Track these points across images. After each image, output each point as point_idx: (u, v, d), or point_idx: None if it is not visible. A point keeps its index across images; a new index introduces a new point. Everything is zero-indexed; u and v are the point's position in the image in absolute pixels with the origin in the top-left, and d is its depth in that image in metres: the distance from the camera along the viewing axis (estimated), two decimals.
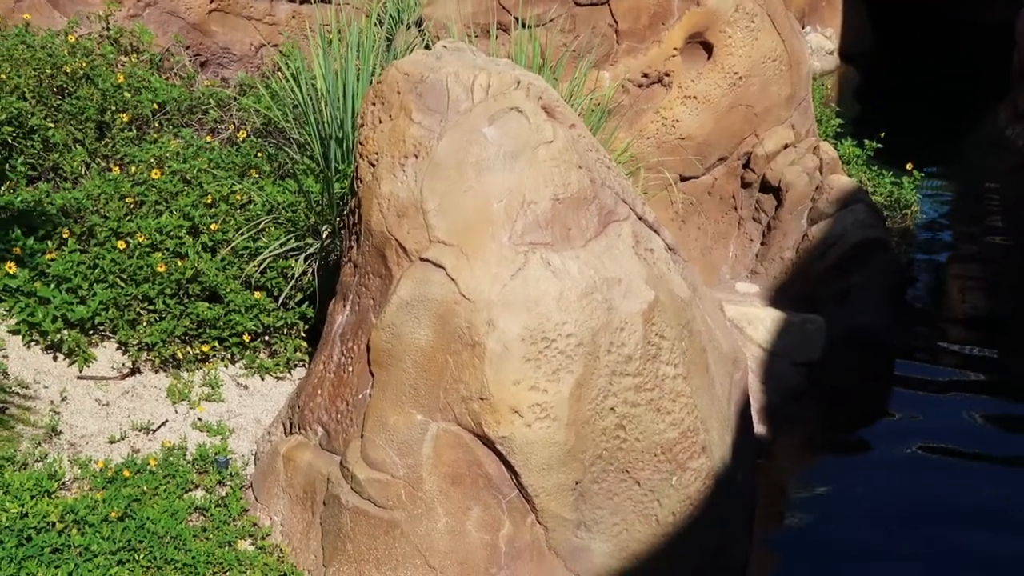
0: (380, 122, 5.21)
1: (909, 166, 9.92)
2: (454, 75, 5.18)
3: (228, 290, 6.18)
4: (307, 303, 6.31)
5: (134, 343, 6.00)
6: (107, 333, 6.09)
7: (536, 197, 4.97)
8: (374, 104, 5.28)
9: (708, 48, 7.84)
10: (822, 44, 15.96)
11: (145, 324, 6.05)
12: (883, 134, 9.96)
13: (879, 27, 16.80)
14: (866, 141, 9.89)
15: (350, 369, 5.09)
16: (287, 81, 7.25)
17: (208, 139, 7.53)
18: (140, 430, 5.64)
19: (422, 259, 4.89)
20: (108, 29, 8.75)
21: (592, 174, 5.20)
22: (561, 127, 5.18)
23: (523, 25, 7.40)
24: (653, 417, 5.03)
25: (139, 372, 6.00)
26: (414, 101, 5.12)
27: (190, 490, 5.33)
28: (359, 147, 5.28)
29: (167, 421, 5.74)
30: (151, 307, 6.09)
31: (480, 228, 4.89)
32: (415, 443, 4.82)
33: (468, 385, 4.76)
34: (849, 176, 8.82)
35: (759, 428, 6.53)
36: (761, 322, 7.32)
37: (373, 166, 5.15)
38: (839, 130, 10.61)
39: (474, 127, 5.03)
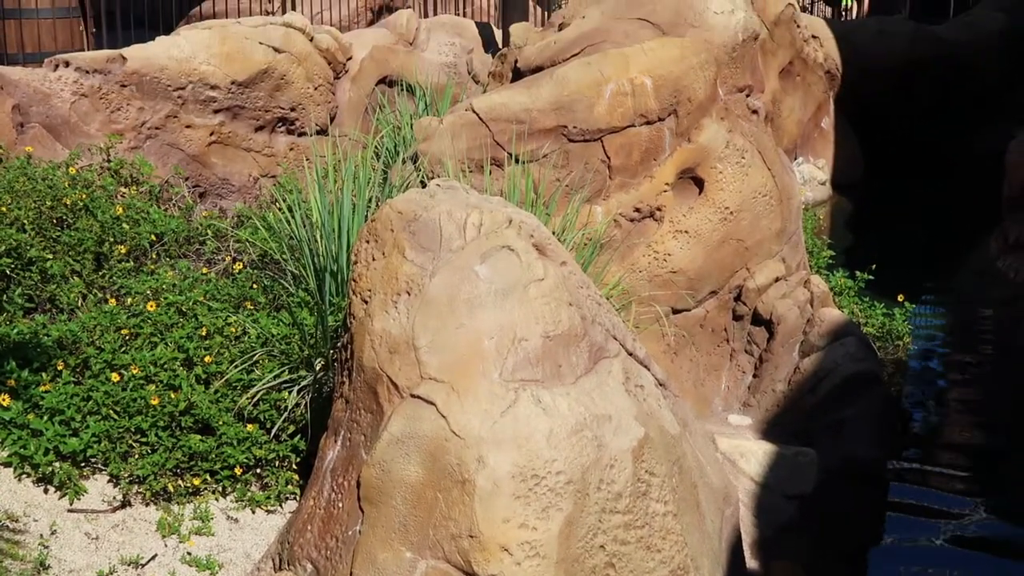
0: (373, 259, 5.28)
1: (900, 297, 10.00)
2: (447, 213, 5.27)
3: (221, 422, 6.20)
4: (300, 436, 6.32)
5: (125, 476, 6.00)
6: (99, 465, 6.09)
7: (527, 334, 5.02)
8: (368, 241, 5.36)
9: (699, 183, 7.97)
10: (814, 174, 16.20)
11: (137, 457, 6.05)
12: (874, 265, 10.06)
13: (871, 157, 17.06)
14: (857, 272, 9.99)
15: (340, 505, 5.09)
16: (283, 213, 7.36)
17: (205, 270, 7.60)
18: (129, 564, 5.61)
19: (413, 396, 4.92)
20: (109, 161, 8.90)
21: (583, 311, 5.26)
22: (552, 265, 5.26)
23: (517, 160, 7.53)
24: (643, 555, 5.02)
25: (129, 505, 5.99)
26: (407, 239, 5.21)
27: None
28: (353, 283, 5.35)
29: (156, 555, 5.71)
30: (143, 439, 6.11)
31: (471, 365, 4.93)
32: None
33: (458, 522, 4.75)
34: (841, 308, 8.89)
35: (751, 562, 6.50)
36: (753, 455, 7.32)
37: (366, 303, 5.21)
38: (831, 261, 10.71)
39: (466, 265, 5.11)
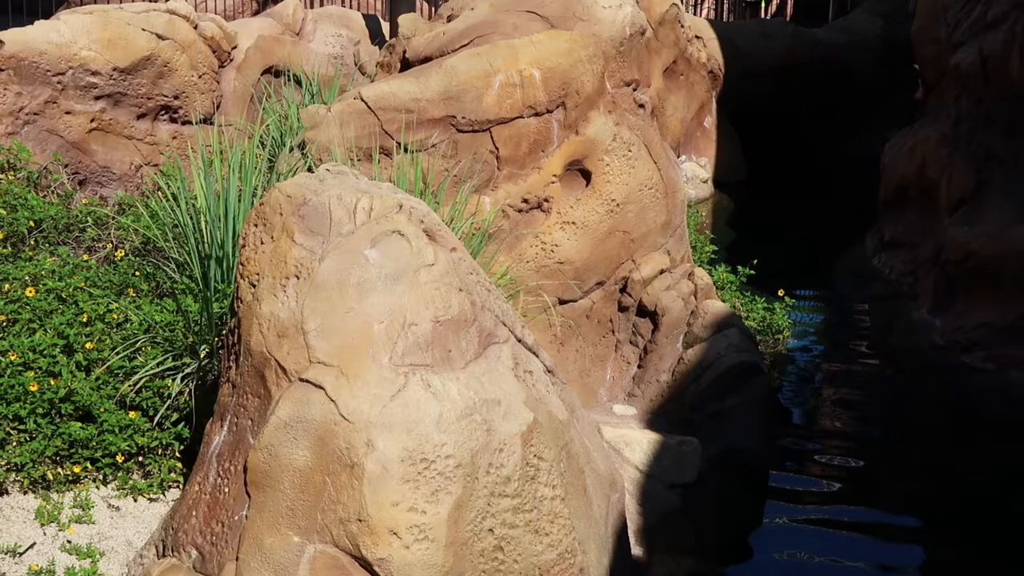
0: (262, 243, 5.24)
1: (780, 292, 10.19)
2: (337, 198, 5.25)
3: (102, 410, 6.08)
4: (183, 423, 6.24)
5: (2, 463, 5.86)
6: None
7: (417, 319, 5.02)
8: (256, 225, 5.31)
9: (587, 175, 8.03)
10: (697, 173, 16.43)
11: (15, 444, 5.91)
12: (756, 261, 10.22)
13: (752, 157, 17.36)
14: (739, 267, 10.15)
15: (226, 490, 5.04)
16: (167, 200, 7.24)
17: (85, 257, 7.46)
18: (7, 553, 5.48)
19: (302, 380, 4.89)
20: None
21: (473, 297, 5.27)
22: (442, 250, 5.26)
23: (405, 150, 7.51)
24: (531, 539, 5.05)
25: (7, 493, 5.85)
26: (296, 223, 5.17)
27: None
28: (240, 267, 5.29)
29: (35, 544, 5.59)
30: (22, 427, 5.96)
31: (361, 349, 4.92)
32: (291, 565, 4.76)
33: (346, 506, 4.73)
34: (723, 301, 9.03)
35: (636, 550, 6.57)
36: (638, 444, 7.40)
37: (254, 286, 5.16)
38: (713, 256, 10.87)
39: (356, 249, 5.09)
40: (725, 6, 22.58)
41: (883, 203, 13.33)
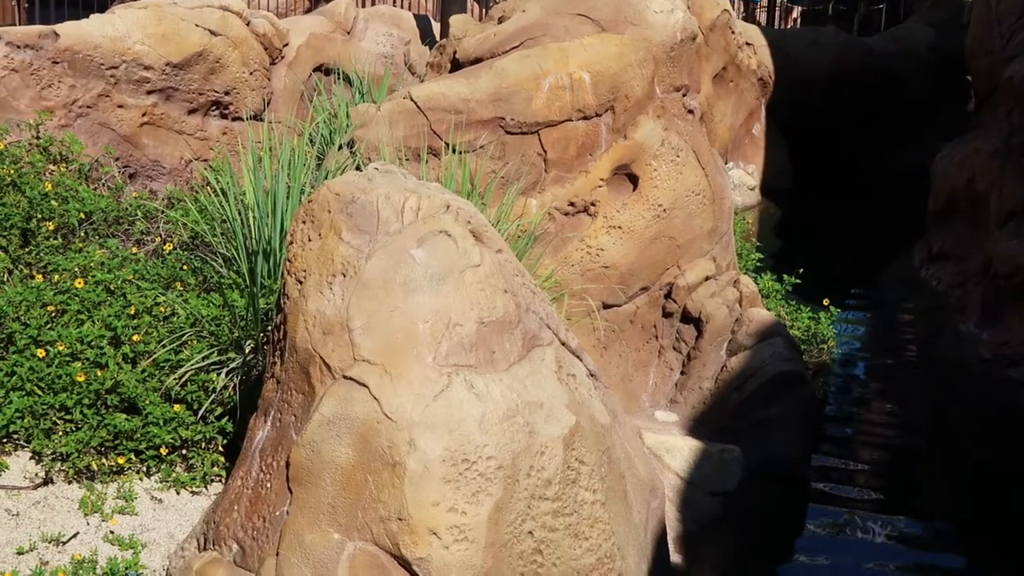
0: (309, 240, 5.26)
1: (826, 302, 10.13)
2: (385, 197, 5.26)
3: (147, 402, 6.12)
4: (227, 418, 6.27)
5: (48, 453, 5.92)
6: (21, 442, 6.00)
7: (462, 319, 5.02)
8: (304, 222, 5.33)
9: (634, 180, 8.01)
10: (744, 180, 16.37)
11: (61, 434, 5.97)
12: (801, 270, 10.18)
13: (800, 165, 17.27)
14: (785, 276, 10.11)
15: (268, 485, 5.06)
16: (216, 195, 7.29)
17: (134, 250, 7.52)
18: (50, 542, 5.53)
19: (346, 377, 4.91)
20: (38, 138, 8.76)
21: (517, 299, 5.27)
22: (488, 251, 5.26)
23: (454, 150, 7.52)
24: (571, 542, 5.04)
25: (52, 483, 5.90)
26: (344, 221, 5.19)
27: None
28: (287, 264, 5.32)
29: (78, 533, 5.63)
30: (68, 417, 6.02)
31: (405, 348, 4.92)
32: (331, 562, 4.78)
33: (387, 505, 4.74)
34: (768, 310, 9.00)
35: (675, 557, 6.55)
36: (679, 451, 7.37)
37: (300, 283, 5.18)
38: (759, 264, 10.83)
39: (403, 248, 5.10)
40: (777, 14, 22.45)
41: (932, 214, 13.23)
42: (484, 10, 15.40)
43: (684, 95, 8.61)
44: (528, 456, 4.93)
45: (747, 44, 16.37)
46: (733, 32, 15.63)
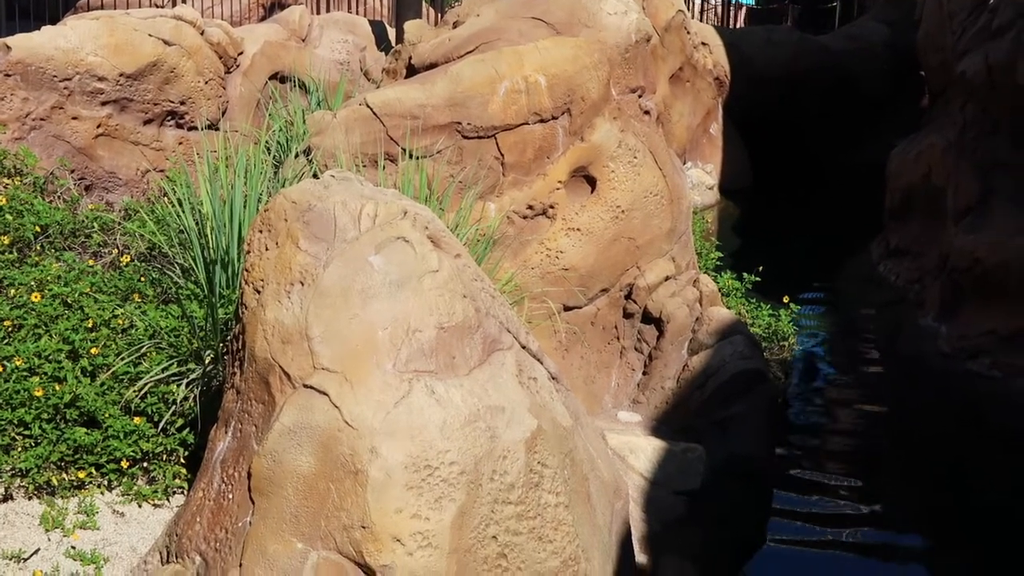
0: (267, 249, 5.24)
1: (786, 299, 10.19)
2: (341, 204, 5.25)
3: (107, 415, 6.08)
4: (188, 429, 6.23)
5: (7, 469, 5.86)
6: None
7: (421, 325, 5.02)
8: (261, 231, 5.31)
9: (592, 182, 8.03)
10: (703, 179, 16.44)
11: (20, 449, 5.92)
12: (761, 268, 10.22)
13: (758, 163, 17.36)
14: (745, 274, 10.15)
15: (230, 496, 5.03)
16: (173, 206, 7.25)
17: (91, 263, 7.46)
18: (11, 559, 5.48)
19: (306, 386, 4.89)
20: None
21: (477, 303, 5.27)
22: (447, 257, 5.26)
23: (411, 156, 7.52)
24: (535, 546, 5.04)
25: (11, 499, 5.85)
26: (301, 229, 5.17)
27: None
28: (245, 273, 5.29)
29: (39, 549, 5.58)
30: (27, 432, 5.97)
31: (365, 356, 4.91)
32: (295, 572, 4.75)
33: (350, 513, 4.73)
34: (728, 308, 9.03)
35: (640, 557, 6.56)
36: (643, 451, 7.39)
37: (258, 292, 5.16)
38: (719, 263, 10.87)
39: (360, 255, 5.09)
40: (731, 13, 22.56)
41: (889, 210, 13.33)
42: (439, 15, 15.39)
43: (640, 96, 8.64)
44: (490, 461, 4.93)
45: (703, 44, 16.45)
46: (688, 32, 15.70)
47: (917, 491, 8.22)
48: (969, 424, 9.24)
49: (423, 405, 4.87)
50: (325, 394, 4.85)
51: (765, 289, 10.38)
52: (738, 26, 22.47)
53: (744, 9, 23.05)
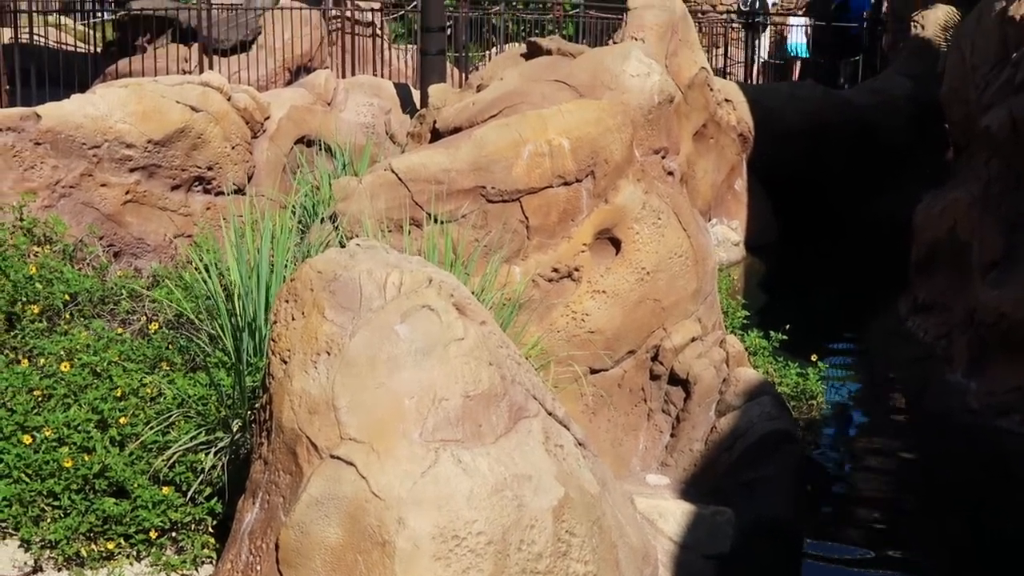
0: (293, 319, 5.27)
1: (814, 357, 10.15)
2: (367, 273, 5.28)
3: (136, 485, 6.10)
4: (216, 498, 6.24)
5: (37, 540, 5.89)
6: (9, 530, 5.97)
7: (447, 394, 5.03)
8: (287, 301, 5.35)
9: (616, 244, 8.04)
10: (728, 235, 16.43)
11: (49, 521, 5.95)
12: (788, 326, 10.19)
13: (783, 219, 17.34)
14: (772, 333, 10.12)
15: (258, 568, 5.04)
16: (200, 272, 7.30)
17: (119, 331, 7.52)
18: None
19: (333, 456, 4.90)
20: (21, 219, 8.78)
21: (503, 371, 5.28)
22: (472, 324, 5.28)
23: (436, 220, 7.55)
24: None
25: (41, 570, 5.87)
26: (327, 299, 5.21)
27: None
28: (272, 344, 5.33)
29: None
30: (56, 503, 6.00)
31: (391, 425, 4.92)
32: None
33: None
34: (756, 367, 9.01)
35: None
36: (671, 515, 7.34)
37: (285, 363, 5.19)
38: (745, 321, 10.84)
39: (386, 324, 5.12)
40: (755, 69, 22.64)
41: (915, 265, 13.28)
42: (464, 75, 15.52)
43: (663, 157, 8.67)
44: (518, 530, 4.92)
45: (726, 100, 16.48)
46: (712, 89, 15.74)
47: (948, 551, 8.15)
48: (999, 481, 9.15)
49: (450, 474, 4.87)
50: (352, 464, 4.86)
51: (792, 345, 10.34)
52: (794, 79, 22.55)
53: (798, 63, 23.11)
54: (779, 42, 23.25)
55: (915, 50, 19.59)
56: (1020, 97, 11.04)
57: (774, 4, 23.03)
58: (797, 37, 23.17)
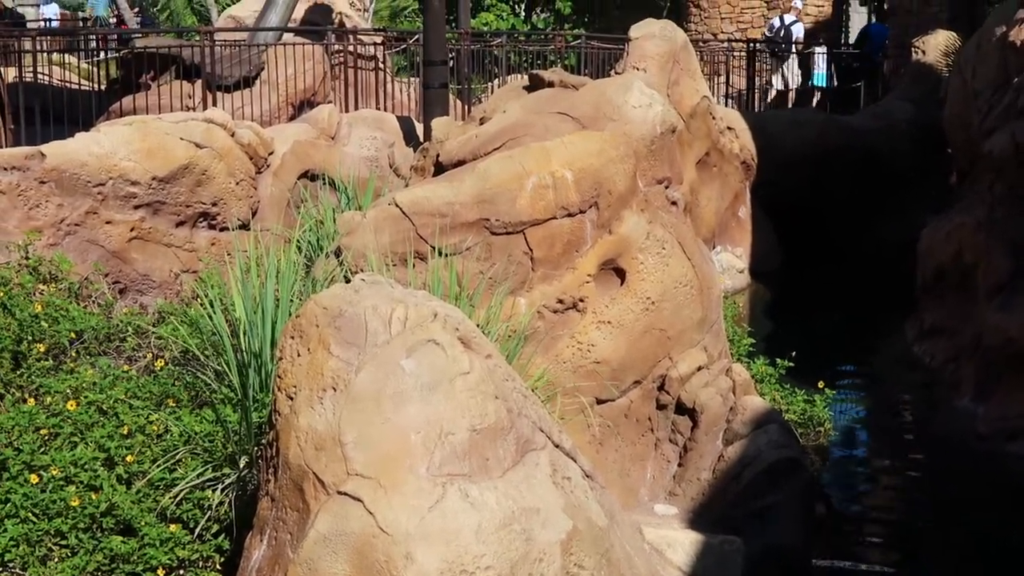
0: (298, 355, 5.27)
1: (821, 384, 10.13)
2: (372, 308, 5.28)
3: (143, 523, 6.10)
4: (224, 535, 6.23)
5: None
6: (17, 570, 5.96)
7: (454, 428, 5.02)
8: (293, 337, 5.35)
9: (621, 274, 8.05)
10: (733, 263, 16.44)
11: (57, 560, 5.94)
12: (794, 352, 10.18)
13: (787, 245, 17.35)
14: (778, 360, 10.11)
15: None
16: (205, 309, 7.31)
17: (126, 368, 7.53)
18: None
19: (340, 492, 4.89)
20: (27, 258, 8.81)
21: (509, 404, 5.27)
22: (478, 358, 5.28)
23: (440, 254, 7.56)
24: None
25: None
26: (332, 335, 5.20)
27: None
28: (277, 380, 5.32)
29: None
30: (63, 542, 6.00)
31: (398, 460, 4.91)
32: None
33: None
34: (762, 395, 8.99)
35: None
36: (680, 545, 7.33)
37: (291, 399, 5.19)
38: (751, 349, 10.83)
39: (392, 359, 5.11)
40: (755, 96, 22.69)
41: (921, 289, 13.28)
42: (467, 107, 15.56)
43: (667, 187, 8.68)
44: (526, 564, 4.90)
45: (728, 128, 16.52)
46: (714, 117, 15.80)
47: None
48: (1009, 507, 9.12)
49: (457, 509, 4.86)
50: (359, 500, 4.85)
51: (799, 372, 10.33)
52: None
53: (818, 93, 23.27)
54: (805, 72, 23.34)
55: (916, 75, 19.67)
56: (1022, 121, 11.06)
57: (796, 37, 23.12)
58: (820, 67, 23.28)
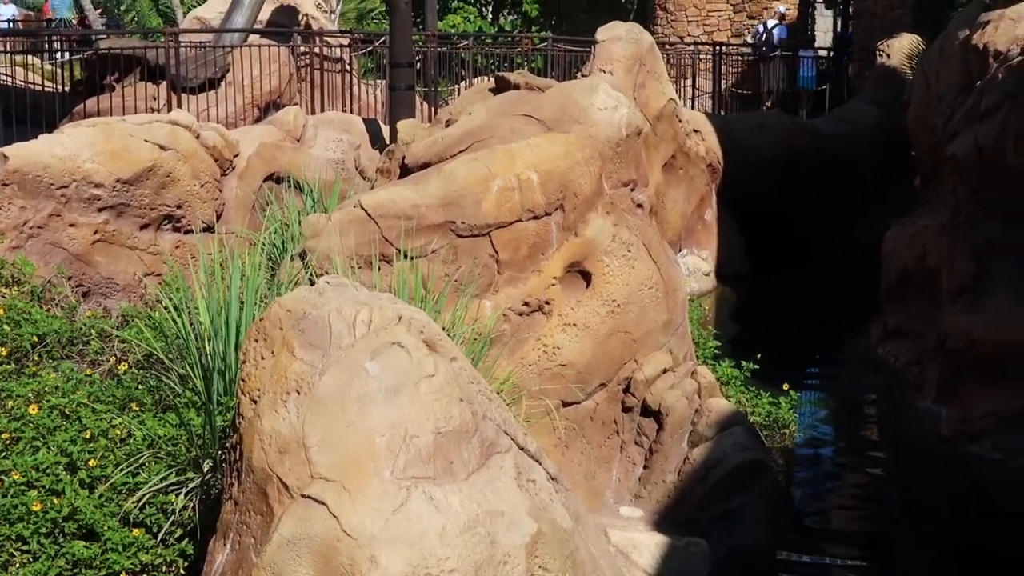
0: (262, 359, 5.25)
1: (786, 386, 10.17)
2: (336, 311, 5.26)
3: (106, 528, 6.05)
4: (188, 539, 6.20)
5: None
6: None
7: (418, 431, 5.01)
8: (257, 340, 5.33)
9: (587, 277, 8.06)
10: (699, 265, 16.50)
11: (18, 566, 5.88)
12: (759, 355, 10.22)
13: (753, 248, 17.41)
14: (743, 362, 10.14)
15: None
16: (169, 312, 7.27)
17: (89, 371, 7.47)
18: None
19: (304, 496, 4.87)
20: None
21: (474, 407, 5.27)
22: (442, 360, 5.27)
23: (406, 256, 7.55)
24: None
25: None
26: (296, 337, 5.18)
27: None
28: (241, 383, 5.30)
29: None
30: (25, 547, 5.94)
31: (362, 463, 4.90)
32: None
33: None
34: (728, 397, 9.02)
35: None
36: (645, 547, 7.33)
37: (255, 402, 5.16)
38: (716, 351, 10.86)
39: (356, 362, 5.09)
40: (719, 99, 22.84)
41: (885, 292, 13.36)
42: (433, 110, 15.55)
43: (632, 189, 8.70)
44: (491, 567, 4.90)
45: (695, 131, 16.57)
46: (680, 120, 15.83)
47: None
48: (972, 507, 9.18)
49: (422, 512, 4.85)
50: (323, 504, 4.83)
51: (765, 374, 10.36)
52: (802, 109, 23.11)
53: (805, 94, 23.79)
54: (791, 75, 23.77)
55: (881, 78, 19.79)
56: (985, 124, 11.14)
57: (780, 40, 23.83)
58: (806, 70, 23.78)
